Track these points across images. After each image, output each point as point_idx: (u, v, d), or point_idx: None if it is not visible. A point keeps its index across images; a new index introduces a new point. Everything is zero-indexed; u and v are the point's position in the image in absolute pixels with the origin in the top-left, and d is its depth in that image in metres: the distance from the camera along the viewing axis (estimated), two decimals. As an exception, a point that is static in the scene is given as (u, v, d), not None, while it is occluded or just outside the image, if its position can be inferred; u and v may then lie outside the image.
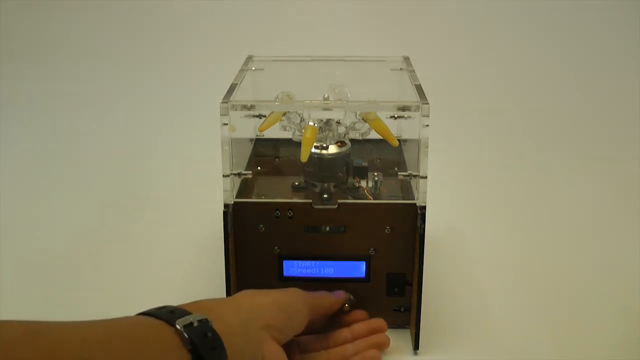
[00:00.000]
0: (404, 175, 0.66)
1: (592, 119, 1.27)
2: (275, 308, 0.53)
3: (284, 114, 0.66)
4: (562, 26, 1.57)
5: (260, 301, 0.54)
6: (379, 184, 0.67)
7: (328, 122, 0.66)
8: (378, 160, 0.75)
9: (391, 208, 0.62)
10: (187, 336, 0.44)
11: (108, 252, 0.82)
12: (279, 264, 0.64)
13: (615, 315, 0.69)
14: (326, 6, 1.58)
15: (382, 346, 0.61)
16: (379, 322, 0.62)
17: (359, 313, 0.63)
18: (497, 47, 1.53)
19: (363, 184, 0.67)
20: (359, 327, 0.62)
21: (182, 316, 0.45)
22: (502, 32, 1.56)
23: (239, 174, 0.64)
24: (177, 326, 0.44)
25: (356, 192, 0.67)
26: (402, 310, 0.65)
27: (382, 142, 0.67)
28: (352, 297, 0.63)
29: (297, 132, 0.66)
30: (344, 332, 0.62)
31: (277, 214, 0.62)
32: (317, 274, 0.64)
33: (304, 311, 0.56)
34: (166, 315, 0.45)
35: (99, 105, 1.34)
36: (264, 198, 0.66)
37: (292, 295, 0.57)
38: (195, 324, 0.45)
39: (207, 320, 0.46)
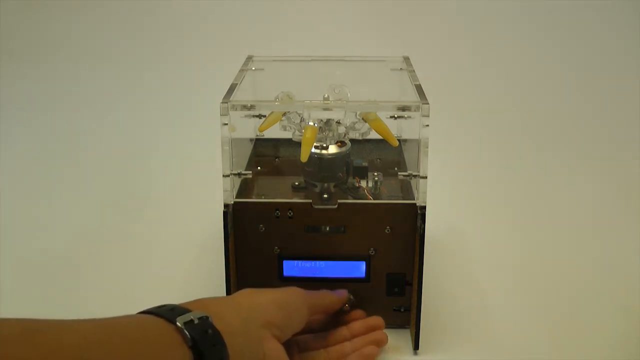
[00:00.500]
0: (404, 175, 0.66)
1: (592, 119, 1.27)
2: (275, 306, 0.53)
3: (284, 114, 0.66)
4: (562, 26, 1.57)
5: (260, 300, 0.54)
6: (379, 184, 0.67)
7: (328, 122, 0.66)
8: (378, 160, 0.75)
9: (391, 208, 0.62)
10: (187, 333, 0.44)
11: (108, 252, 0.82)
12: (279, 264, 0.64)
13: (615, 315, 0.69)
14: (326, 6, 1.58)
15: (380, 343, 0.61)
16: (376, 319, 0.63)
17: (357, 312, 0.63)
18: (497, 47, 1.53)
19: (363, 184, 0.67)
20: (357, 325, 0.62)
21: (182, 314, 0.45)
22: (502, 32, 1.56)
23: (239, 174, 0.64)
24: (178, 323, 0.44)
25: (356, 192, 0.67)
26: (402, 310, 0.65)
27: (382, 142, 0.67)
28: (352, 297, 0.63)
29: (297, 132, 0.66)
30: (343, 331, 0.62)
31: (277, 214, 0.62)
32: (317, 274, 0.64)
33: (303, 310, 0.56)
34: (166, 313, 0.45)
35: (99, 105, 1.34)
36: (264, 198, 0.66)
37: (291, 294, 0.57)
38: (196, 322, 0.45)
39: (207, 317, 0.46)
